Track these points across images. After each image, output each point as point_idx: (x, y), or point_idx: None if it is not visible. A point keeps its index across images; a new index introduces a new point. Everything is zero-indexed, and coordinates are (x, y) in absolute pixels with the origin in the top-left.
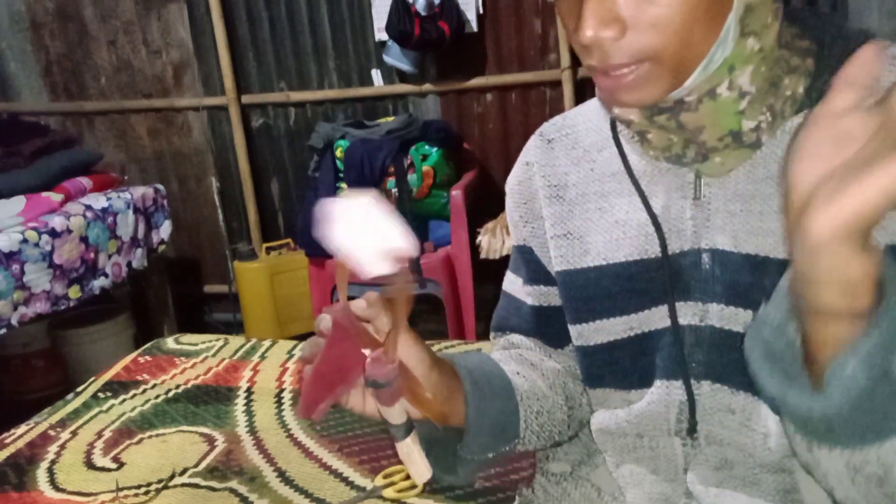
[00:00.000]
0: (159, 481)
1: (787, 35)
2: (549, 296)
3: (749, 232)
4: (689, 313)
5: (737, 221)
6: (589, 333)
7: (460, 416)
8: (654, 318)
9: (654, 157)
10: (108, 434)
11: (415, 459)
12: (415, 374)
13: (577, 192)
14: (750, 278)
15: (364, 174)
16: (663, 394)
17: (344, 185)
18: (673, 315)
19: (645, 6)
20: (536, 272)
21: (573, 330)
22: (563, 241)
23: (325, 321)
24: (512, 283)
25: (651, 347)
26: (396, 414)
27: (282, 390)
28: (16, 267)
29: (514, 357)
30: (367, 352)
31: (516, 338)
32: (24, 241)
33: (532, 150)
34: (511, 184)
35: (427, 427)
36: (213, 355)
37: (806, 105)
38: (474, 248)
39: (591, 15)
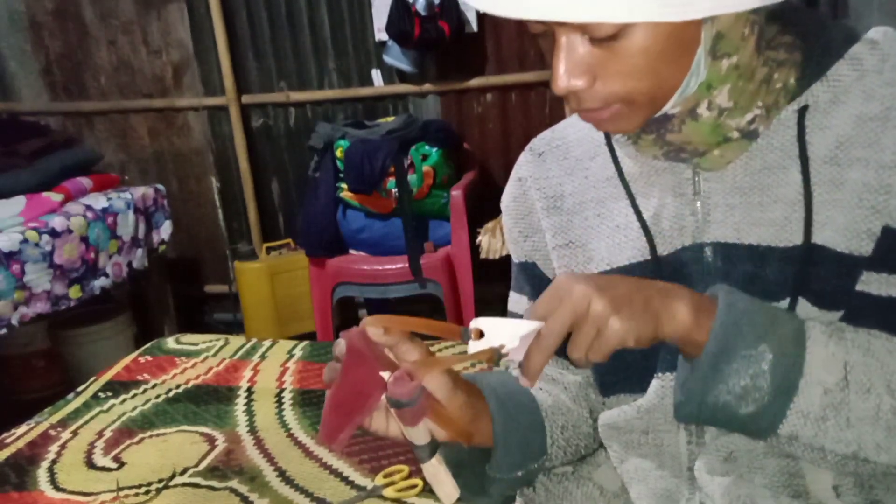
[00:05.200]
0: (160, 481)
1: (770, 33)
2: None
3: (750, 223)
4: None
5: (737, 214)
6: None
7: (487, 435)
8: None
9: (653, 157)
10: (108, 434)
11: (441, 480)
12: (438, 397)
13: (574, 202)
14: (752, 268)
15: (364, 174)
16: (665, 385)
17: (344, 186)
18: None
19: (611, 58)
20: (541, 288)
21: None
22: (565, 250)
23: (339, 346)
24: (517, 303)
25: (656, 347)
26: (420, 435)
27: (282, 390)
28: (16, 267)
29: None
30: (385, 375)
31: None
32: (25, 241)
33: (523, 165)
34: (506, 201)
35: (455, 450)
36: (214, 355)
37: (797, 93)
38: (474, 248)
39: (561, 67)
